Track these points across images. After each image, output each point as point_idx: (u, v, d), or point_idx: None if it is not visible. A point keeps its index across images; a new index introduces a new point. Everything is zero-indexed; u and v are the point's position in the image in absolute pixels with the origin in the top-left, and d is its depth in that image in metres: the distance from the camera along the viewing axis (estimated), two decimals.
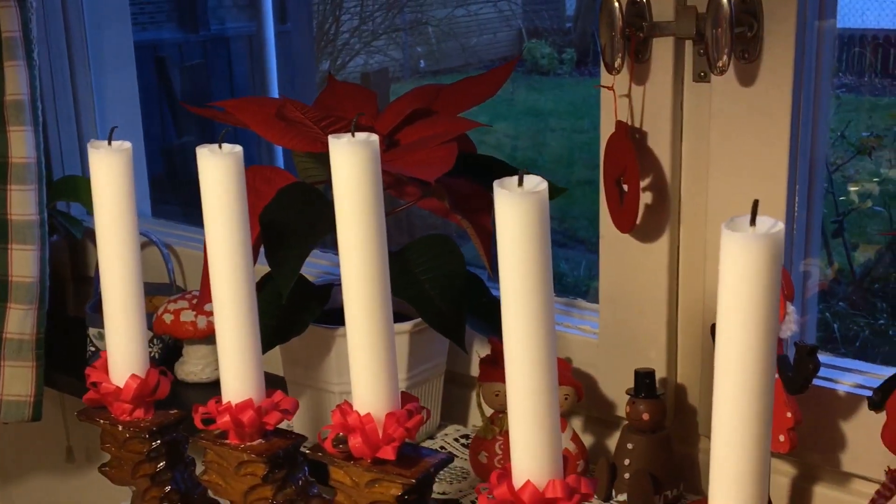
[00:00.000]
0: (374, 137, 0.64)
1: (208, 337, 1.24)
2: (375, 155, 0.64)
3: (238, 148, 0.70)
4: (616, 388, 1.07)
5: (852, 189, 2.30)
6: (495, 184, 0.59)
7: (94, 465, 1.43)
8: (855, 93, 2.67)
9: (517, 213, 0.58)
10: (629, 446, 1.01)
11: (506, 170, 1.04)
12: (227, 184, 0.68)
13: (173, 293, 1.34)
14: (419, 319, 1.06)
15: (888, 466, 0.87)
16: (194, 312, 1.22)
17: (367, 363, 0.67)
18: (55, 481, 1.68)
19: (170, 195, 2.04)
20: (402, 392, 0.70)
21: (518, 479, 0.62)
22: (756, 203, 0.53)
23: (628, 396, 1.01)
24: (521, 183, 0.59)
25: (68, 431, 1.62)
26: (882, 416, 0.88)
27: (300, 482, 0.74)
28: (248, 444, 0.73)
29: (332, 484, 0.70)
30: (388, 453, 0.67)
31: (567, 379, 1.05)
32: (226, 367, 0.72)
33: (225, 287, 0.70)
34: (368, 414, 0.67)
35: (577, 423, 1.12)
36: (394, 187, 1.08)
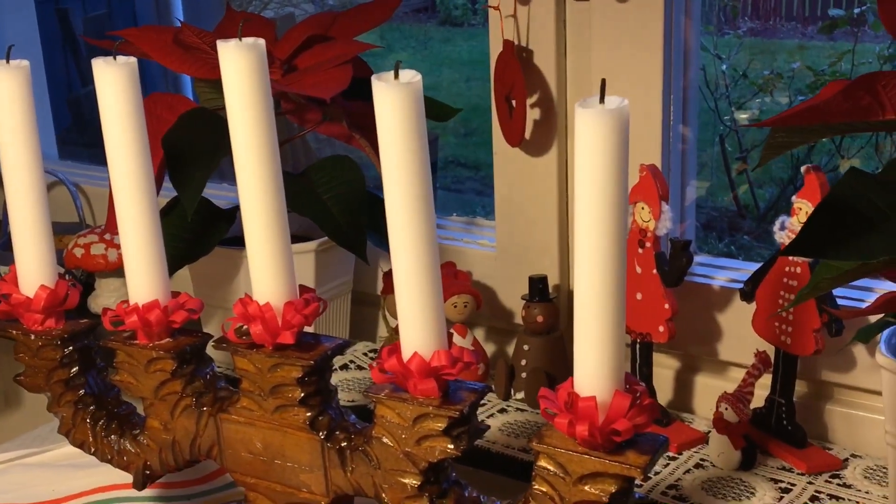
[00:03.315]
0: (261, 41, 0.68)
1: (119, 269, 1.26)
2: (262, 57, 0.68)
3: (133, 59, 0.73)
4: (514, 297, 1.13)
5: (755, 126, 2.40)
6: (373, 78, 0.64)
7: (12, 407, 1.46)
8: (761, 36, 2.77)
9: (393, 102, 0.62)
10: (525, 348, 1.07)
11: None
12: (124, 92, 0.72)
13: (83, 231, 1.35)
14: (324, 238, 1.10)
15: (756, 349, 0.95)
16: (104, 245, 1.25)
17: (263, 254, 0.71)
18: None
19: (78, 142, 2.04)
20: (300, 285, 0.75)
21: (406, 352, 0.68)
22: (604, 81, 0.59)
23: (524, 302, 1.07)
24: (396, 76, 0.64)
25: None
26: (753, 306, 0.96)
27: (208, 376, 0.78)
28: (157, 342, 0.77)
29: (238, 373, 0.74)
30: (287, 338, 0.71)
31: (466, 288, 1.11)
32: (131, 270, 0.76)
33: (127, 188, 0.73)
34: (268, 303, 0.72)
35: (479, 333, 1.18)
36: (295, 113, 1.12)
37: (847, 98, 0.71)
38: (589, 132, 0.58)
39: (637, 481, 0.91)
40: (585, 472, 0.63)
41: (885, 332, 0.83)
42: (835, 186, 0.71)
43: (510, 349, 1.14)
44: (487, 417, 1.05)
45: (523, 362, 1.07)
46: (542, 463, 0.64)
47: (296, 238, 1.15)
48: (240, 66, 0.67)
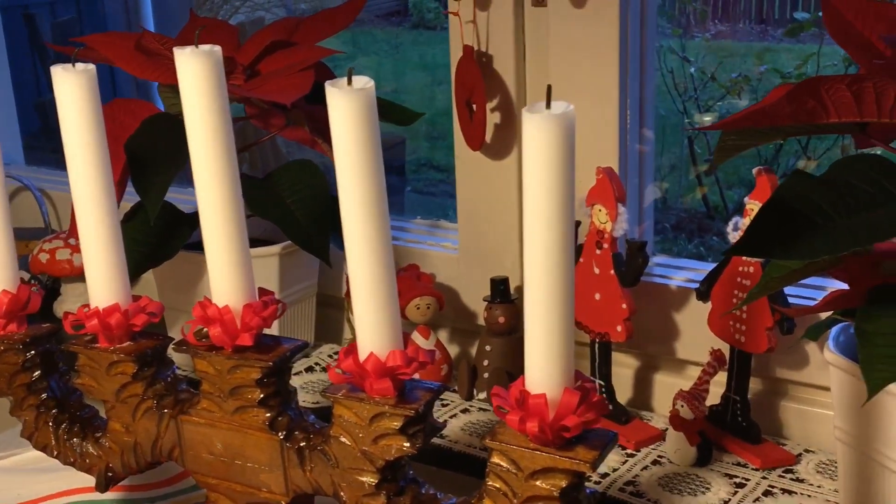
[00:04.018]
0: (217, 48, 0.69)
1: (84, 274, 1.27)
2: (218, 63, 0.69)
3: (91, 65, 0.74)
4: (477, 298, 1.15)
5: None
6: (327, 84, 0.65)
7: None
8: (730, 39, 2.80)
9: (346, 107, 0.64)
10: (487, 348, 1.09)
11: None
12: (83, 99, 0.72)
13: (48, 236, 1.36)
14: (288, 242, 1.12)
15: (712, 347, 0.97)
16: (70, 250, 1.25)
17: (221, 257, 0.72)
18: None
19: (46, 147, 2.03)
20: (259, 287, 0.76)
21: (362, 353, 0.69)
22: (549, 88, 0.60)
23: (485, 303, 1.09)
24: (349, 82, 0.65)
25: None
26: (709, 306, 0.98)
27: (169, 378, 0.79)
28: (117, 345, 0.78)
29: (198, 375, 0.75)
30: (246, 340, 0.73)
31: (429, 290, 1.12)
32: (91, 274, 0.77)
33: (86, 193, 0.74)
34: (227, 306, 0.73)
35: (443, 334, 1.20)
36: (259, 118, 1.13)
37: (791, 102, 0.73)
38: (536, 137, 0.59)
39: (595, 478, 0.93)
40: (537, 468, 0.64)
41: (834, 330, 0.85)
42: (779, 188, 0.73)
43: (473, 350, 1.15)
44: (450, 417, 1.07)
45: (485, 362, 1.09)
46: (495, 459, 0.66)
47: (261, 242, 1.17)
48: (196, 73, 0.68)
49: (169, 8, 2.46)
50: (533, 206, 0.61)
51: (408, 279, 1.13)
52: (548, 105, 0.60)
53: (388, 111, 1.12)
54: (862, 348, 0.72)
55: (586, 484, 0.88)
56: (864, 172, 0.74)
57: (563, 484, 0.64)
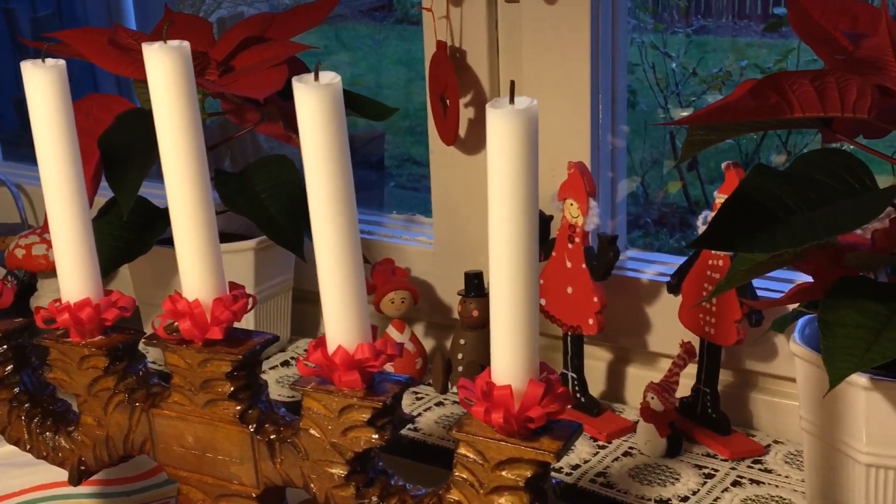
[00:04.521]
0: (186, 43, 0.70)
1: None
2: (187, 59, 0.69)
3: (62, 61, 0.74)
4: (451, 292, 1.16)
5: None
6: (294, 80, 0.66)
7: None
8: (713, 34, 2.82)
9: (313, 103, 0.64)
10: (462, 342, 1.10)
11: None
12: (53, 94, 0.73)
13: (24, 231, 1.36)
14: (263, 237, 1.12)
15: (682, 339, 0.98)
16: (45, 246, 1.25)
17: (191, 252, 0.73)
18: None
19: (25, 143, 2.02)
20: (230, 281, 0.77)
21: (331, 346, 0.69)
22: (512, 83, 0.61)
23: (460, 297, 1.09)
24: (316, 77, 0.66)
25: None
26: (680, 299, 0.99)
27: (140, 372, 0.80)
28: (89, 340, 0.78)
29: (168, 368, 0.76)
30: (216, 333, 0.73)
31: (404, 284, 1.13)
32: (62, 269, 0.77)
33: (57, 188, 0.74)
34: (196, 300, 0.74)
35: (419, 328, 1.21)
36: (234, 113, 1.13)
37: (755, 97, 0.74)
38: (499, 132, 0.60)
39: (566, 469, 0.94)
40: (502, 458, 0.65)
41: (800, 322, 0.86)
42: (742, 182, 0.74)
43: (448, 343, 1.16)
44: (425, 410, 1.08)
45: (460, 356, 1.09)
46: (462, 450, 0.67)
47: (237, 237, 1.17)
48: (164, 69, 0.68)
49: (149, 3, 2.45)
50: (497, 201, 0.62)
51: (383, 273, 1.13)
52: (511, 100, 0.61)
53: (363, 106, 1.13)
54: (824, 339, 0.73)
55: (553, 474, 0.90)
56: (826, 166, 0.76)
57: (529, 474, 0.65)
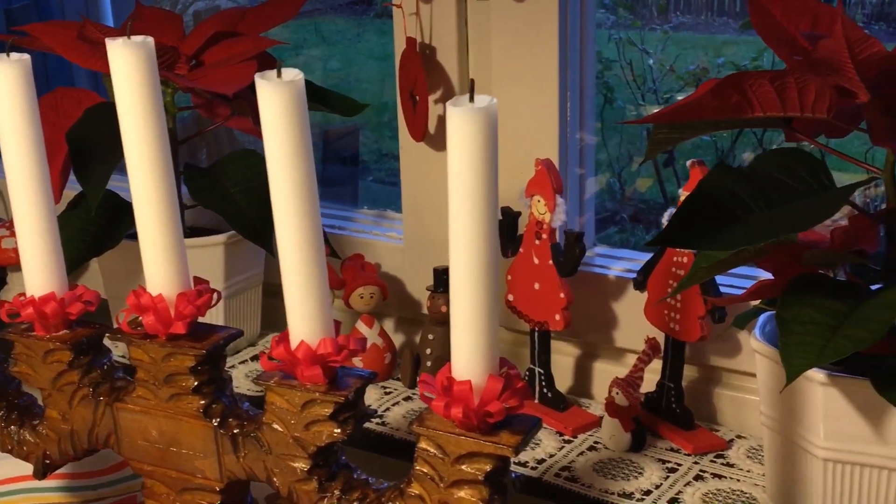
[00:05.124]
0: (150, 39, 0.70)
1: None
2: (151, 54, 0.69)
3: (26, 56, 0.74)
4: (421, 288, 1.16)
5: None
6: (256, 76, 0.66)
7: None
8: (692, 31, 2.83)
9: (275, 99, 0.65)
10: (430, 337, 1.10)
11: (310, 87, 1.10)
12: (17, 89, 0.73)
13: None
14: (233, 232, 1.12)
15: (647, 335, 0.99)
16: (16, 239, 1.25)
17: (155, 247, 0.73)
18: None
19: None
20: (194, 276, 0.77)
21: (294, 340, 0.70)
22: (472, 82, 0.62)
23: (429, 292, 1.10)
24: (279, 74, 0.66)
25: None
26: (646, 295, 1.00)
27: (105, 366, 0.80)
28: (54, 334, 0.78)
29: (132, 363, 0.76)
30: (179, 328, 0.73)
31: (373, 279, 1.14)
32: (27, 263, 0.77)
33: (21, 183, 0.74)
34: (160, 294, 0.74)
35: (389, 323, 1.21)
36: (204, 108, 1.13)
37: (716, 97, 0.75)
38: (459, 130, 0.61)
39: (531, 463, 0.95)
40: (462, 453, 0.66)
41: (761, 318, 0.87)
42: (702, 180, 0.75)
43: (418, 339, 1.16)
44: (393, 405, 1.08)
45: (428, 351, 1.10)
46: (423, 445, 0.67)
47: (207, 231, 1.17)
48: (128, 64, 0.69)
49: None
50: (457, 198, 0.63)
51: (352, 269, 1.14)
52: (471, 98, 0.61)
53: (334, 102, 1.13)
54: (781, 336, 0.74)
55: (516, 468, 0.90)
56: (785, 165, 0.77)
57: (488, 468, 0.66)
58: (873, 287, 0.78)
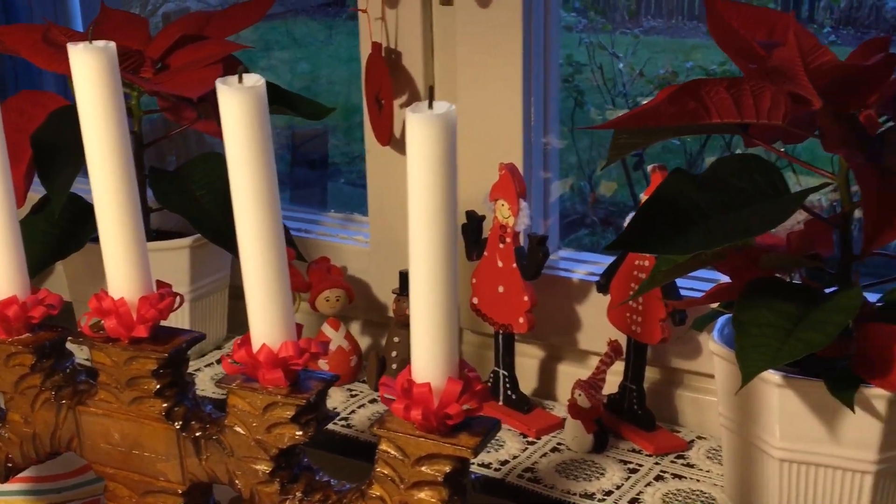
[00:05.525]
0: (112, 44, 0.70)
1: None
2: (113, 59, 0.70)
3: None
4: (387, 291, 1.17)
5: None
6: (217, 82, 0.66)
7: None
8: (664, 35, 2.85)
9: (236, 104, 0.65)
10: (396, 340, 1.11)
11: (276, 91, 1.11)
12: None
13: None
14: (198, 235, 1.12)
15: (609, 338, 1.00)
16: None
17: (117, 250, 0.73)
18: None
19: None
20: (157, 280, 0.77)
21: (255, 344, 0.70)
22: (431, 88, 0.63)
23: (395, 295, 1.11)
24: (240, 80, 0.66)
25: None
26: (608, 298, 1.01)
27: (67, 370, 0.80)
28: (16, 337, 0.78)
29: (95, 366, 0.76)
30: (141, 332, 0.74)
31: (339, 282, 1.14)
32: None
33: None
34: (122, 298, 0.74)
35: (355, 326, 1.22)
36: (171, 111, 1.13)
37: (673, 103, 0.76)
38: (418, 136, 0.61)
39: (494, 465, 0.95)
40: (422, 454, 0.67)
41: (719, 321, 0.88)
42: (659, 186, 0.76)
43: (384, 341, 1.17)
44: (359, 408, 1.09)
45: (394, 354, 1.11)
46: (384, 446, 0.68)
47: (173, 234, 1.17)
48: (89, 68, 0.69)
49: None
50: (416, 203, 0.64)
51: (318, 272, 1.14)
52: (430, 105, 0.62)
53: (301, 105, 1.13)
54: (738, 338, 0.75)
55: (479, 469, 0.91)
56: (741, 171, 0.78)
57: (448, 469, 0.66)
58: (827, 290, 0.80)
